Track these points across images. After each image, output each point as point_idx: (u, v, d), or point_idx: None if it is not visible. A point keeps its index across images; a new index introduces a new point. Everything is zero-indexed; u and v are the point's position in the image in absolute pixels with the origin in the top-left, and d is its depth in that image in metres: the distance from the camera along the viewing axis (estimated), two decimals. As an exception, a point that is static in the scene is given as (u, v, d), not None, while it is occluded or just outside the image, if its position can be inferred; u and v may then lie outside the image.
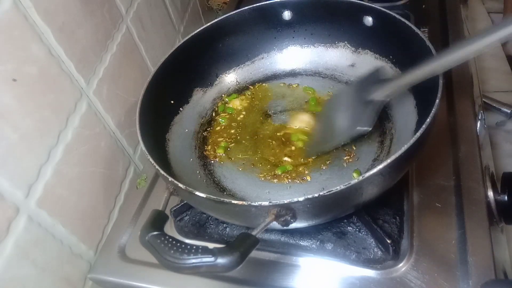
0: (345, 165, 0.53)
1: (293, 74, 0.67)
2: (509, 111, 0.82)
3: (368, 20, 0.58)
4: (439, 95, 0.43)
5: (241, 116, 0.63)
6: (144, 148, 0.46)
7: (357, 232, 0.49)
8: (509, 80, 0.93)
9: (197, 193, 0.40)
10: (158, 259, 0.36)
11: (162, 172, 0.43)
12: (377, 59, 0.61)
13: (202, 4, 1.00)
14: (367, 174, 0.37)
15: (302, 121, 0.59)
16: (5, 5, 0.42)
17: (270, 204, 0.37)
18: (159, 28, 0.76)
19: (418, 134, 0.39)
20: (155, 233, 0.37)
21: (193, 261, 0.34)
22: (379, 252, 0.47)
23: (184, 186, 0.41)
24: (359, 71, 0.63)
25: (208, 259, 0.34)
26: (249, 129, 0.61)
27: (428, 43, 0.48)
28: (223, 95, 0.65)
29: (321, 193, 0.37)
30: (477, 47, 0.38)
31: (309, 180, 0.52)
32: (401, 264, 0.47)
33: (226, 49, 0.65)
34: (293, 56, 0.67)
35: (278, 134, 0.59)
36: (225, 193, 0.53)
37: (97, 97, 0.57)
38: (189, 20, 0.91)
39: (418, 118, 0.51)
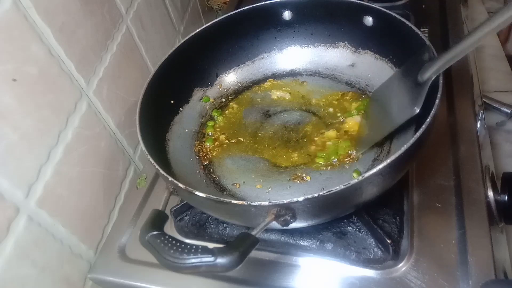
0: (345, 165, 0.53)
1: (293, 74, 0.67)
2: (509, 111, 0.82)
3: (368, 20, 0.58)
4: (439, 95, 0.43)
5: (241, 116, 0.63)
6: (144, 148, 0.46)
7: (357, 232, 0.49)
8: (509, 80, 0.92)
9: (197, 193, 0.40)
10: (158, 259, 0.36)
11: (162, 172, 0.43)
12: (377, 59, 0.61)
13: (202, 4, 1.01)
14: (367, 174, 0.37)
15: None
16: (5, 5, 0.42)
17: (270, 204, 0.37)
18: (159, 28, 0.76)
19: (418, 134, 0.39)
20: (155, 232, 0.37)
21: (193, 260, 0.34)
22: (379, 252, 0.47)
23: (184, 186, 0.41)
24: (359, 71, 0.63)
25: (208, 259, 0.34)
26: (249, 129, 0.61)
27: (428, 43, 0.48)
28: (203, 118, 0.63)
29: (320, 193, 0.37)
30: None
31: (309, 180, 0.52)
32: (401, 264, 0.47)
33: (226, 49, 0.65)
34: (293, 56, 0.67)
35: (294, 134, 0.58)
36: (225, 193, 0.53)
37: (97, 97, 0.57)
38: (189, 20, 0.91)
39: (418, 118, 0.51)
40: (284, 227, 0.39)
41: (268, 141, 0.59)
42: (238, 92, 0.67)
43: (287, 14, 0.64)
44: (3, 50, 0.42)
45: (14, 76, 0.43)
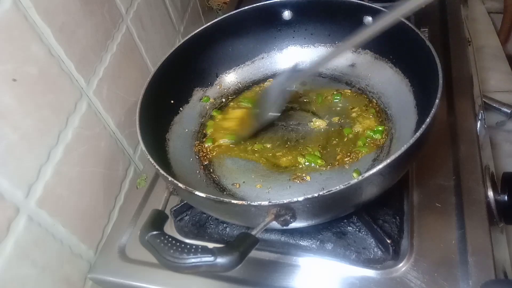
0: (345, 165, 0.53)
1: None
2: (509, 111, 0.82)
3: (368, 20, 0.58)
4: (439, 95, 0.42)
5: (241, 115, 0.63)
6: (144, 148, 0.46)
7: (357, 232, 0.49)
8: (509, 80, 0.92)
9: (197, 192, 0.40)
10: (158, 258, 0.36)
11: (162, 172, 0.43)
12: (377, 59, 0.61)
13: (202, 4, 1.01)
14: (367, 174, 0.37)
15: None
16: (5, 5, 0.42)
17: (270, 204, 0.37)
18: (159, 28, 0.76)
19: (418, 134, 0.39)
20: (155, 232, 0.37)
21: (193, 260, 0.34)
22: (379, 252, 0.47)
23: (184, 186, 0.41)
24: (359, 71, 0.63)
25: (208, 258, 0.34)
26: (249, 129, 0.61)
27: (428, 43, 0.48)
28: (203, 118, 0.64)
29: (320, 193, 0.37)
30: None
31: (308, 180, 0.52)
32: (401, 264, 0.47)
33: (226, 49, 0.65)
34: (293, 56, 0.67)
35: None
36: (225, 193, 0.53)
37: (97, 97, 0.57)
38: (189, 20, 0.91)
39: (418, 118, 0.51)
40: (284, 227, 0.39)
41: (268, 141, 0.58)
42: (238, 92, 0.67)
43: (287, 14, 0.64)
44: (3, 50, 0.42)
45: (14, 76, 0.43)
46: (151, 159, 0.45)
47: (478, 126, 0.60)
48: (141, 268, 0.53)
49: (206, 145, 0.59)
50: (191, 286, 0.50)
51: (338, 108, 0.60)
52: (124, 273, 0.53)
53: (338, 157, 0.54)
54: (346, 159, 0.53)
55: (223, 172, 0.56)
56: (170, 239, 0.36)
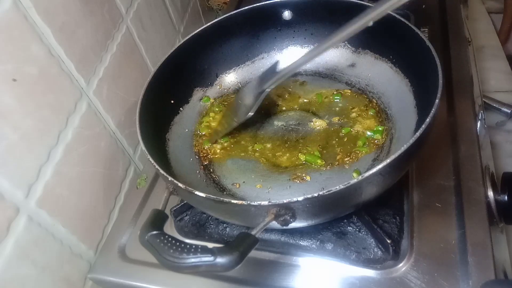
0: (345, 165, 0.53)
1: (293, 74, 0.67)
2: (509, 111, 0.82)
3: (368, 20, 0.58)
4: (439, 95, 0.42)
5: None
6: (144, 148, 0.46)
7: (357, 232, 0.49)
8: (509, 80, 0.92)
9: (197, 192, 0.40)
10: (158, 258, 0.36)
11: (162, 172, 0.43)
12: (377, 59, 0.61)
13: (202, 4, 1.01)
14: (367, 174, 0.37)
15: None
16: (5, 5, 0.42)
17: (270, 203, 0.37)
18: (159, 28, 0.76)
19: (418, 134, 0.39)
20: (155, 232, 0.37)
21: (193, 260, 0.34)
22: (379, 252, 0.47)
23: (184, 186, 0.41)
24: (359, 71, 0.63)
25: (208, 258, 0.34)
26: (249, 129, 0.61)
27: (428, 43, 0.48)
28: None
29: (320, 193, 0.37)
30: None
31: (308, 180, 0.52)
32: (401, 264, 0.47)
33: (226, 49, 0.65)
34: (293, 56, 0.67)
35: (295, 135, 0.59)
36: (225, 192, 0.53)
37: (97, 97, 0.57)
38: (189, 20, 0.91)
39: (418, 118, 0.51)
40: (284, 227, 0.39)
41: (268, 141, 0.58)
42: (238, 92, 0.66)
43: (287, 14, 0.64)
44: (3, 50, 0.42)
45: (14, 76, 0.43)
46: (151, 159, 0.45)
47: (478, 126, 0.60)
48: (141, 268, 0.53)
49: (205, 146, 0.59)
50: (191, 286, 0.50)
51: (338, 108, 0.60)
52: (124, 273, 0.53)
53: (338, 157, 0.54)
54: (346, 159, 0.53)
55: (223, 172, 0.56)
56: (170, 239, 0.36)
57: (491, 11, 1.12)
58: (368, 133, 0.55)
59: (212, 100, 0.65)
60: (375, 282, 0.47)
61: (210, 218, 0.54)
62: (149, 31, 0.72)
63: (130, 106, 0.65)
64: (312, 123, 0.59)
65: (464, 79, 0.66)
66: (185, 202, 0.55)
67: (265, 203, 0.37)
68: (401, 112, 0.55)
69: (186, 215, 0.55)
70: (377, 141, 0.54)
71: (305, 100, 0.63)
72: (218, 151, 0.58)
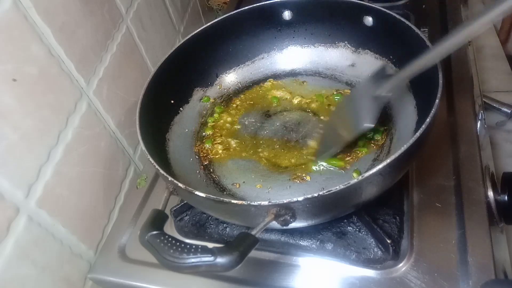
0: (345, 165, 0.53)
1: (293, 74, 0.67)
2: (509, 111, 0.82)
3: (368, 20, 0.58)
4: (439, 95, 0.42)
5: (241, 115, 0.63)
6: (144, 148, 0.46)
7: (357, 232, 0.49)
8: (509, 80, 0.92)
9: (197, 192, 0.40)
10: (158, 258, 0.36)
11: (162, 172, 0.43)
12: (377, 59, 0.61)
13: (202, 4, 1.01)
14: (367, 174, 0.37)
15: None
16: (5, 5, 0.42)
17: (270, 203, 0.37)
18: (159, 28, 0.76)
19: (418, 134, 0.39)
20: (155, 232, 0.37)
21: (193, 260, 0.34)
22: (379, 252, 0.47)
23: (184, 186, 0.41)
24: (359, 71, 0.63)
25: (208, 258, 0.34)
26: (249, 128, 0.61)
27: (428, 43, 0.48)
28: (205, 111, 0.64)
29: (320, 193, 0.37)
30: (469, 32, 0.38)
31: (308, 180, 0.52)
32: (401, 264, 0.47)
33: (226, 49, 0.65)
34: (293, 56, 0.67)
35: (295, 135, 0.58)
36: (225, 192, 0.53)
37: (97, 97, 0.57)
38: (189, 20, 0.91)
39: (418, 118, 0.51)
40: (284, 227, 0.39)
41: (268, 141, 0.58)
42: (238, 92, 0.67)
43: (287, 14, 0.64)
44: (3, 50, 0.42)
45: (14, 76, 0.43)
46: (151, 159, 0.45)
47: (478, 126, 0.60)
48: (141, 268, 0.53)
49: (206, 146, 0.59)
50: (191, 286, 0.50)
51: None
52: (124, 273, 0.53)
53: (338, 157, 0.54)
54: (346, 159, 0.53)
55: (223, 172, 0.56)
56: (170, 239, 0.36)
57: (491, 11, 1.12)
58: (368, 133, 0.55)
59: (212, 100, 0.65)
60: (375, 282, 0.47)
61: (210, 218, 0.54)
62: (149, 31, 0.72)
63: (130, 106, 0.65)
64: (312, 123, 0.59)
65: (464, 79, 0.66)
66: (185, 202, 0.55)
67: (265, 203, 0.37)
68: (401, 112, 0.55)
69: (186, 215, 0.55)
70: (377, 141, 0.54)
71: (305, 100, 0.63)
72: (219, 151, 0.58)
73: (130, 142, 0.66)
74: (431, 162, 0.56)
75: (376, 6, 0.56)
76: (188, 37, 0.60)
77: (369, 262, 0.48)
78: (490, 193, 0.52)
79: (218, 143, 0.59)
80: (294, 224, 0.40)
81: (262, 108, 0.64)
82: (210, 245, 0.35)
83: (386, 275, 0.47)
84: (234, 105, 0.65)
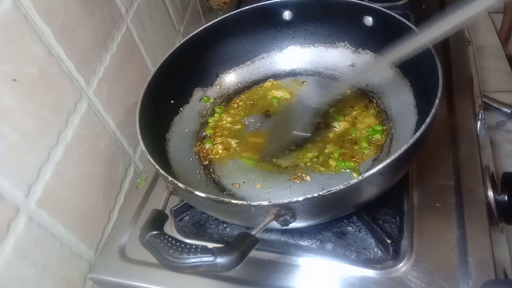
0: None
1: (293, 74, 0.67)
2: (509, 111, 0.82)
3: (368, 20, 0.58)
4: (439, 95, 0.42)
5: (241, 115, 0.63)
6: (144, 148, 0.46)
7: (357, 232, 0.49)
8: (509, 80, 0.92)
9: (197, 192, 0.40)
10: (158, 258, 0.36)
11: (162, 172, 0.43)
12: (377, 59, 0.61)
13: (202, 4, 1.01)
14: (367, 174, 0.37)
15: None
16: (5, 5, 0.42)
17: (270, 203, 0.37)
18: (159, 28, 0.76)
19: (418, 134, 0.39)
20: (155, 232, 0.37)
21: (193, 260, 0.34)
22: (379, 252, 0.47)
23: (184, 186, 0.41)
24: (359, 71, 0.63)
25: (208, 258, 0.34)
26: (250, 128, 0.61)
27: (428, 43, 0.48)
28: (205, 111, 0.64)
29: (320, 193, 0.37)
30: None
31: (308, 180, 0.52)
32: (401, 264, 0.47)
33: (226, 49, 0.65)
34: (293, 56, 0.67)
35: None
36: (225, 192, 0.53)
37: (97, 97, 0.57)
38: (189, 20, 0.91)
39: (418, 118, 0.51)
40: (284, 227, 0.39)
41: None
42: (238, 92, 0.67)
43: (287, 14, 0.64)
44: (3, 50, 0.42)
45: (14, 76, 0.43)
46: (151, 159, 0.45)
47: (478, 126, 0.60)
48: (141, 268, 0.53)
49: (206, 146, 0.59)
50: (191, 286, 0.50)
51: (338, 108, 0.60)
52: (124, 273, 0.53)
53: (345, 159, 0.53)
54: (353, 159, 0.53)
55: (223, 172, 0.56)
56: (170, 239, 0.36)
57: (491, 11, 1.12)
58: (368, 133, 0.55)
59: (212, 100, 0.65)
60: (375, 282, 0.47)
61: (210, 218, 0.54)
62: (149, 31, 0.72)
63: (130, 106, 0.65)
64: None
65: (464, 79, 0.66)
66: (185, 202, 0.55)
67: (265, 203, 0.37)
68: (401, 112, 0.55)
69: (186, 215, 0.55)
70: (377, 141, 0.54)
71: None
72: (219, 151, 0.58)
73: (130, 142, 0.66)
74: (431, 162, 0.56)
75: (376, 6, 0.56)
76: (188, 37, 0.60)
77: (369, 262, 0.48)
78: (490, 193, 0.52)
79: (218, 143, 0.59)
80: (294, 224, 0.40)
81: (262, 108, 0.64)
82: (210, 245, 0.35)
83: (386, 275, 0.47)
84: (234, 105, 0.65)
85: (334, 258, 0.49)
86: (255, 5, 0.63)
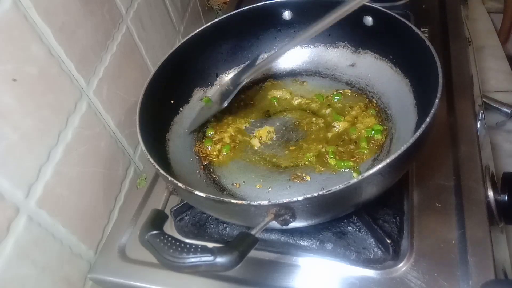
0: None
1: (293, 74, 0.67)
2: (509, 111, 0.82)
3: (368, 20, 0.58)
4: (438, 95, 0.43)
5: (241, 115, 0.63)
6: (144, 148, 0.46)
7: (357, 232, 0.49)
8: (509, 80, 0.92)
9: (197, 192, 0.40)
10: (158, 258, 0.36)
11: (162, 171, 0.43)
12: (377, 59, 0.61)
13: (202, 4, 1.01)
14: (367, 174, 0.37)
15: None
16: (5, 5, 0.42)
17: (270, 203, 0.37)
18: (159, 28, 0.76)
19: (418, 134, 0.39)
20: (155, 232, 0.37)
21: (193, 260, 0.34)
22: (379, 252, 0.47)
23: (184, 186, 0.41)
24: (359, 71, 0.63)
25: (207, 258, 0.34)
26: (249, 129, 0.61)
27: (428, 43, 0.48)
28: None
29: (320, 193, 0.37)
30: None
31: (308, 179, 0.52)
32: (401, 264, 0.47)
33: (226, 49, 0.66)
34: (293, 56, 0.67)
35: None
36: (224, 192, 0.53)
37: (97, 97, 0.57)
38: (189, 20, 0.91)
39: (418, 118, 0.51)
40: (284, 227, 0.39)
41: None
42: (238, 92, 0.66)
43: (287, 14, 0.64)
44: (3, 50, 0.42)
45: (14, 76, 0.43)
46: (151, 159, 0.45)
47: (478, 126, 0.60)
48: (141, 268, 0.53)
49: (206, 146, 0.59)
50: (191, 286, 0.50)
51: (338, 108, 0.60)
52: (124, 273, 0.53)
53: (344, 159, 0.53)
54: (352, 159, 0.53)
55: (223, 172, 0.56)
56: (169, 239, 0.36)
57: (491, 11, 1.12)
58: (368, 133, 0.55)
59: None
60: (375, 282, 0.47)
61: (210, 218, 0.54)
62: (149, 31, 0.72)
63: (130, 106, 0.65)
64: (312, 123, 0.59)
65: (464, 79, 0.66)
66: (185, 202, 0.55)
67: (265, 202, 0.37)
68: (401, 112, 0.55)
69: (186, 215, 0.55)
70: (377, 141, 0.54)
71: (305, 100, 0.63)
72: (219, 153, 0.58)
73: (130, 142, 0.66)
74: (431, 162, 0.56)
75: (376, 6, 0.56)
76: (188, 37, 0.60)
77: (369, 262, 0.48)
78: (490, 193, 0.52)
79: (219, 144, 0.59)
80: (294, 224, 0.40)
81: (262, 108, 0.64)
82: (210, 245, 0.35)
83: (386, 275, 0.47)
84: (234, 105, 0.65)
85: (334, 258, 0.49)
86: (255, 5, 0.63)
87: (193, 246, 0.35)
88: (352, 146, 0.55)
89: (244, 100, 0.65)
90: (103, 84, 0.58)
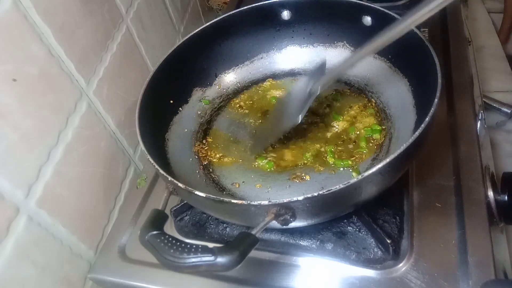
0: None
1: (292, 73, 0.67)
2: (509, 111, 0.82)
3: (367, 20, 0.58)
4: (438, 94, 0.43)
5: (240, 115, 0.63)
6: (143, 148, 0.46)
7: (357, 232, 0.49)
8: (509, 80, 0.92)
9: (197, 192, 0.40)
10: (158, 258, 0.36)
11: (161, 171, 0.43)
12: (376, 59, 0.61)
13: (202, 4, 1.01)
14: (366, 174, 0.37)
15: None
16: (5, 5, 0.42)
17: (270, 203, 0.37)
18: (159, 28, 0.76)
19: (417, 133, 0.39)
20: (155, 232, 0.37)
21: (193, 260, 0.34)
22: (379, 252, 0.47)
23: (184, 186, 0.41)
24: (358, 71, 0.63)
25: (208, 258, 0.34)
26: (248, 128, 0.61)
27: (426, 42, 0.48)
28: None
29: (320, 192, 0.37)
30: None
31: (308, 179, 0.52)
32: (401, 264, 0.47)
33: (225, 49, 0.66)
34: (292, 56, 0.67)
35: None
36: (224, 192, 0.53)
37: (97, 97, 0.57)
38: (189, 20, 0.91)
39: (417, 117, 0.51)
40: (284, 227, 0.39)
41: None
42: (237, 92, 0.67)
43: (286, 14, 0.64)
44: (3, 50, 0.42)
45: (14, 76, 0.43)
46: (150, 159, 0.45)
47: (478, 126, 0.60)
48: (141, 268, 0.53)
49: (206, 146, 0.59)
50: (191, 286, 0.50)
51: (337, 108, 0.60)
52: (124, 273, 0.53)
53: (343, 158, 0.53)
54: (351, 158, 0.53)
55: (223, 172, 0.56)
56: (170, 239, 0.36)
57: (491, 11, 1.12)
58: (367, 132, 0.55)
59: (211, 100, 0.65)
60: (375, 282, 0.47)
61: (210, 218, 0.54)
62: (149, 31, 0.72)
63: (130, 106, 0.65)
64: (311, 123, 0.59)
65: (464, 79, 0.66)
66: (185, 202, 0.55)
67: (265, 202, 0.37)
68: (400, 112, 0.55)
69: (186, 215, 0.55)
70: (376, 141, 0.54)
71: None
72: (219, 155, 0.58)
73: (130, 142, 0.66)
74: (431, 162, 0.56)
75: (375, 6, 0.56)
76: (187, 37, 0.61)
77: (369, 262, 0.48)
78: (490, 193, 0.52)
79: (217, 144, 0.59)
80: (294, 224, 0.40)
81: (261, 108, 0.64)
82: (210, 245, 0.35)
83: (386, 275, 0.47)
84: (234, 105, 0.65)
85: (334, 258, 0.49)
86: (254, 5, 0.63)
87: (194, 246, 0.35)
88: (351, 146, 0.55)
89: (244, 100, 0.65)
90: (103, 84, 0.58)
